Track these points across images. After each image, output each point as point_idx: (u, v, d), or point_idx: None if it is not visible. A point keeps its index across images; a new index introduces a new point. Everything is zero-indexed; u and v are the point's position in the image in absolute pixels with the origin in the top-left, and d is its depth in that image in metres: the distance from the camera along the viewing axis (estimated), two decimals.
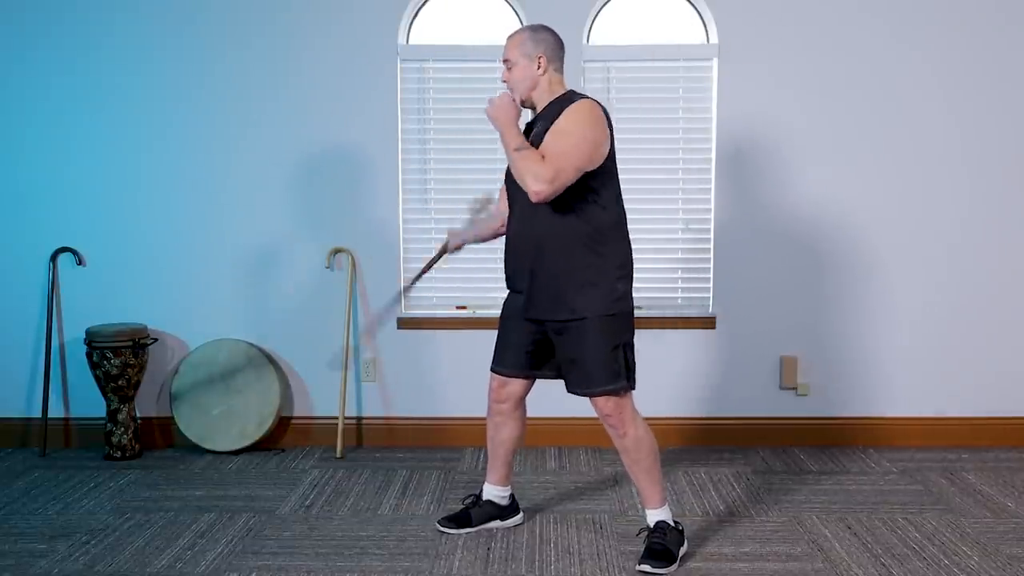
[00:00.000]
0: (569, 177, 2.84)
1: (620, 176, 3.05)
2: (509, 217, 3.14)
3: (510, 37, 3.06)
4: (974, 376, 4.31)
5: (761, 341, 4.32)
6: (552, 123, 2.92)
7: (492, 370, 3.25)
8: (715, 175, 4.28)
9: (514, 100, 2.99)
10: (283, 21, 4.20)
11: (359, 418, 4.40)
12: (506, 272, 3.17)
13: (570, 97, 2.99)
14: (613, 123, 3.00)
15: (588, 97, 2.99)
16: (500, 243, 3.27)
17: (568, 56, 3.11)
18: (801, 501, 3.64)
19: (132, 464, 4.14)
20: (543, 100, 3.03)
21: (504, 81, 3.06)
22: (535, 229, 2.98)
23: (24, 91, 4.23)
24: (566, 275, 2.96)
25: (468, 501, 3.40)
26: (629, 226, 3.10)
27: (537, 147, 2.91)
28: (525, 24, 3.25)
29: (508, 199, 3.16)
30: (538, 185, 2.82)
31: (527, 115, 3.12)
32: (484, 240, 3.44)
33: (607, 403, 3.00)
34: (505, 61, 3.04)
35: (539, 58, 3.00)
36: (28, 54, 4.21)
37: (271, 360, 4.32)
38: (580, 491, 3.78)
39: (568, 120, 2.89)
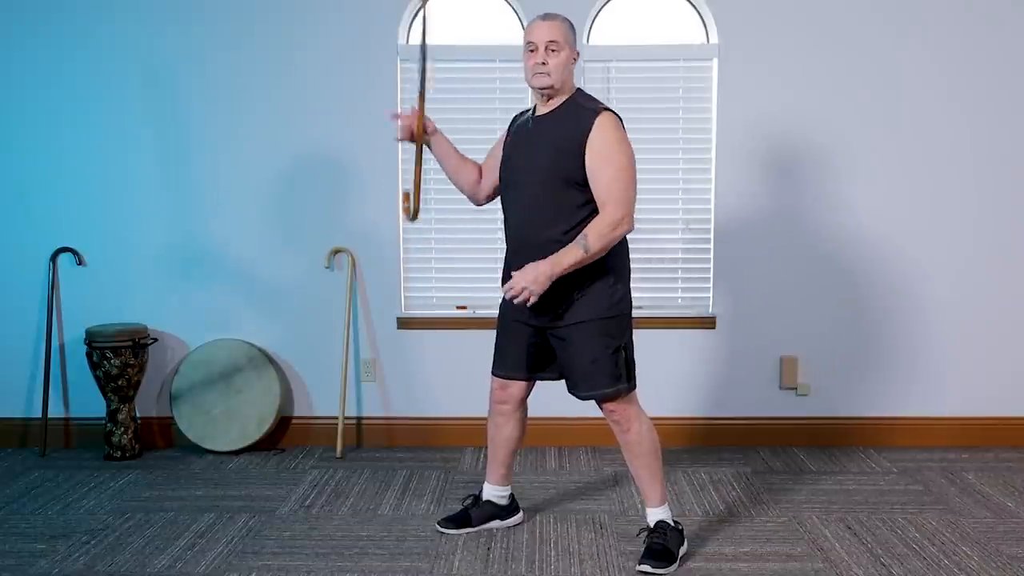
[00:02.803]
0: (633, 194, 2.93)
1: None
2: (506, 223, 3.13)
3: (553, 20, 2.97)
4: (974, 376, 4.31)
5: (761, 341, 4.32)
6: (576, 133, 2.90)
7: (493, 373, 3.25)
8: (715, 175, 4.28)
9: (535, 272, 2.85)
10: (284, 20, 4.20)
11: (359, 418, 4.40)
12: (504, 278, 3.16)
13: (585, 103, 2.97)
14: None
15: (603, 106, 2.97)
16: (501, 244, 3.27)
17: None
18: (801, 501, 3.64)
19: (132, 464, 4.14)
20: (560, 96, 3.02)
21: (542, 63, 2.93)
22: (533, 235, 2.97)
23: (23, 91, 4.23)
24: (564, 280, 2.94)
25: (467, 501, 3.40)
26: None
27: (560, 156, 2.92)
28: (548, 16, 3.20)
29: (505, 205, 3.13)
30: (623, 229, 2.90)
31: (512, 110, 3.11)
32: (444, 162, 3.29)
33: (610, 401, 3.01)
34: (554, 43, 2.93)
35: (576, 54, 3.02)
36: (25, 54, 4.21)
37: (271, 360, 4.32)
38: (580, 491, 3.78)
39: (609, 143, 2.89)
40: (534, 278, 2.85)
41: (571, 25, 3.01)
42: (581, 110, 2.95)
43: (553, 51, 2.94)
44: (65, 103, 4.24)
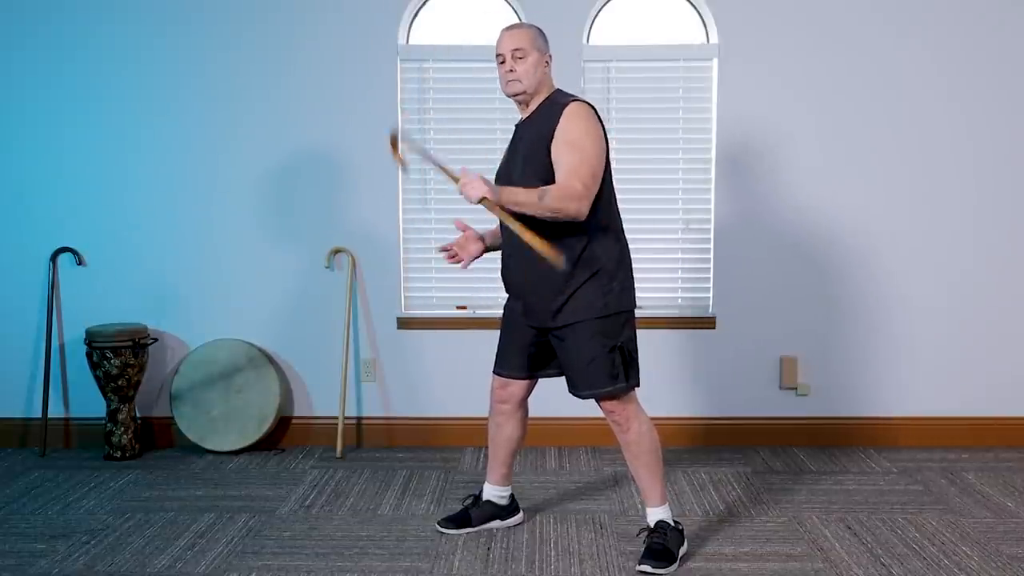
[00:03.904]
0: (595, 182, 2.86)
1: (620, 176, 3.04)
2: (501, 228, 3.12)
3: (516, 29, 3.03)
4: (974, 376, 4.31)
5: (761, 341, 4.32)
6: (547, 128, 2.91)
7: (494, 372, 3.26)
8: (715, 175, 4.28)
9: (478, 176, 2.77)
10: (283, 20, 4.20)
11: (359, 418, 4.40)
12: (503, 278, 3.17)
13: (560, 99, 2.99)
14: (605, 123, 3.01)
15: (576, 98, 2.99)
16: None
17: (568, 56, 3.12)
18: (801, 501, 3.64)
19: (132, 464, 4.14)
20: (537, 99, 3.03)
21: (510, 70, 2.98)
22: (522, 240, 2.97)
23: (23, 91, 4.23)
24: (559, 280, 2.95)
25: (468, 501, 3.41)
26: (630, 226, 3.09)
27: (532, 151, 2.91)
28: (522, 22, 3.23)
29: None
30: (578, 204, 2.80)
31: (510, 113, 3.11)
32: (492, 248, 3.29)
33: (609, 401, 3.01)
34: (518, 50, 2.96)
35: (547, 56, 3.03)
36: (25, 54, 4.21)
37: (271, 360, 4.32)
38: (580, 491, 3.78)
39: (573, 128, 2.88)
40: (473, 178, 2.74)
41: (538, 31, 3.03)
42: (554, 107, 2.96)
43: (520, 58, 2.97)
44: (65, 103, 4.24)
